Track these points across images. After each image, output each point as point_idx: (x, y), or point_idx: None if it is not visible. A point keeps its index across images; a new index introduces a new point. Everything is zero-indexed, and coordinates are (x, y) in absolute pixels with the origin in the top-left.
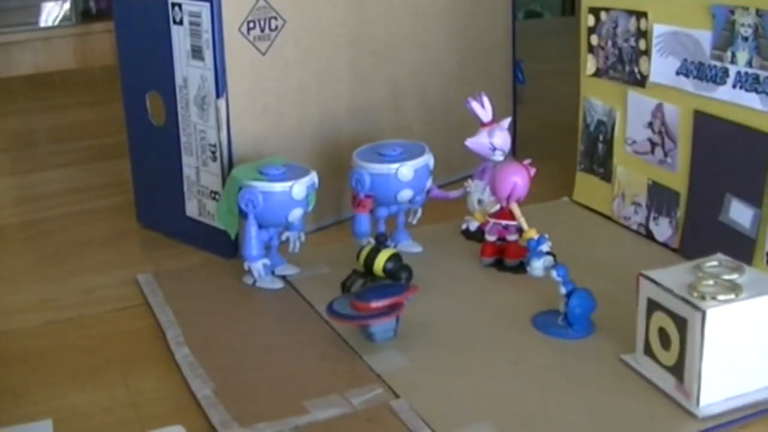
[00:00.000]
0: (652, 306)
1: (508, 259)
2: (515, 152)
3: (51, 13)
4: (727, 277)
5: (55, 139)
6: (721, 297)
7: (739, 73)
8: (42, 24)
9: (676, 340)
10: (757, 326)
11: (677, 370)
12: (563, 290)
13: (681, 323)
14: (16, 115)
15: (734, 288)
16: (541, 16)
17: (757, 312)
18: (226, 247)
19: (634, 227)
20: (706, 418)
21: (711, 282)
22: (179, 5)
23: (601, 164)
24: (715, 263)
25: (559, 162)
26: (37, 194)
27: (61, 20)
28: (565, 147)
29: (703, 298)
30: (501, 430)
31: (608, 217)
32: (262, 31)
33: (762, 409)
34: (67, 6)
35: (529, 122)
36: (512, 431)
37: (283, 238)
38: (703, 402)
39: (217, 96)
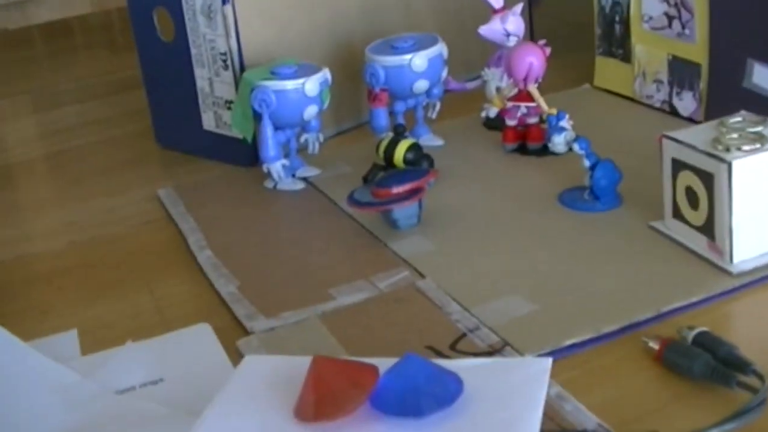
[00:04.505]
0: (677, 166)
1: (531, 142)
2: None
3: None
4: (751, 129)
5: (74, 78)
6: (746, 147)
7: None
8: None
9: (704, 198)
10: None
11: (708, 228)
12: (587, 163)
13: (707, 179)
14: (35, 60)
15: (760, 138)
16: None
17: None
18: (246, 156)
19: (658, 105)
20: (741, 274)
21: (735, 135)
22: None
23: (619, 45)
24: (738, 119)
25: (578, 53)
26: (58, 128)
27: None
28: (584, 40)
29: (727, 150)
30: (532, 300)
31: (631, 99)
32: None
33: None
34: None
35: (547, 20)
36: (543, 301)
37: (302, 140)
38: (736, 258)
39: (224, 3)
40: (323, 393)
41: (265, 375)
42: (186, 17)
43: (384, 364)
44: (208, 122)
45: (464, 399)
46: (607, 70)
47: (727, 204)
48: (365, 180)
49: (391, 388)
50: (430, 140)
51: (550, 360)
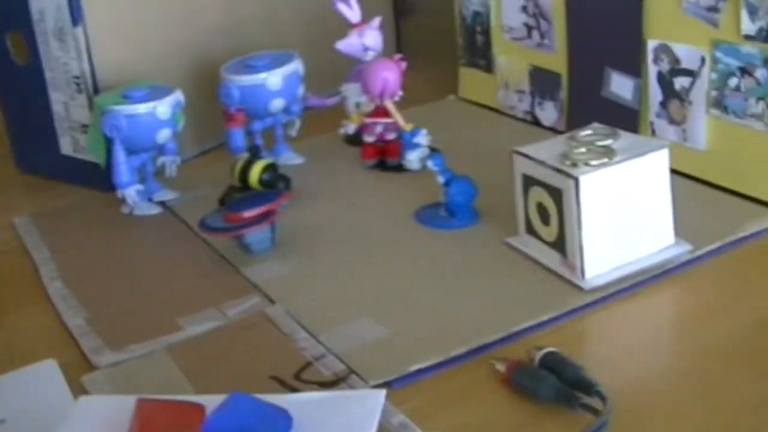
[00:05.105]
0: (528, 182)
1: (389, 158)
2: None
3: None
4: (600, 143)
5: None
6: (594, 162)
7: None
8: None
9: (555, 214)
10: (635, 190)
11: (559, 244)
12: (442, 179)
13: (556, 194)
14: None
15: (607, 153)
16: None
17: (634, 175)
18: (105, 180)
19: (521, 115)
20: (593, 290)
21: (583, 149)
22: None
23: (482, 56)
24: (589, 132)
25: (447, 64)
26: None
27: None
28: (451, 50)
29: (575, 165)
30: (381, 323)
31: (495, 109)
32: None
33: (649, 276)
34: None
35: (418, 31)
36: (393, 323)
37: (159, 163)
38: (588, 274)
39: (74, 25)
40: None
41: (99, 417)
42: (39, 40)
43: (213, 402)
44: (66, 146)
45: None
46: (471, 81)
47: (576, 220)
48: (221, 203)
49: (218, 428)
50: (290, 158)
51: (383, 392)
